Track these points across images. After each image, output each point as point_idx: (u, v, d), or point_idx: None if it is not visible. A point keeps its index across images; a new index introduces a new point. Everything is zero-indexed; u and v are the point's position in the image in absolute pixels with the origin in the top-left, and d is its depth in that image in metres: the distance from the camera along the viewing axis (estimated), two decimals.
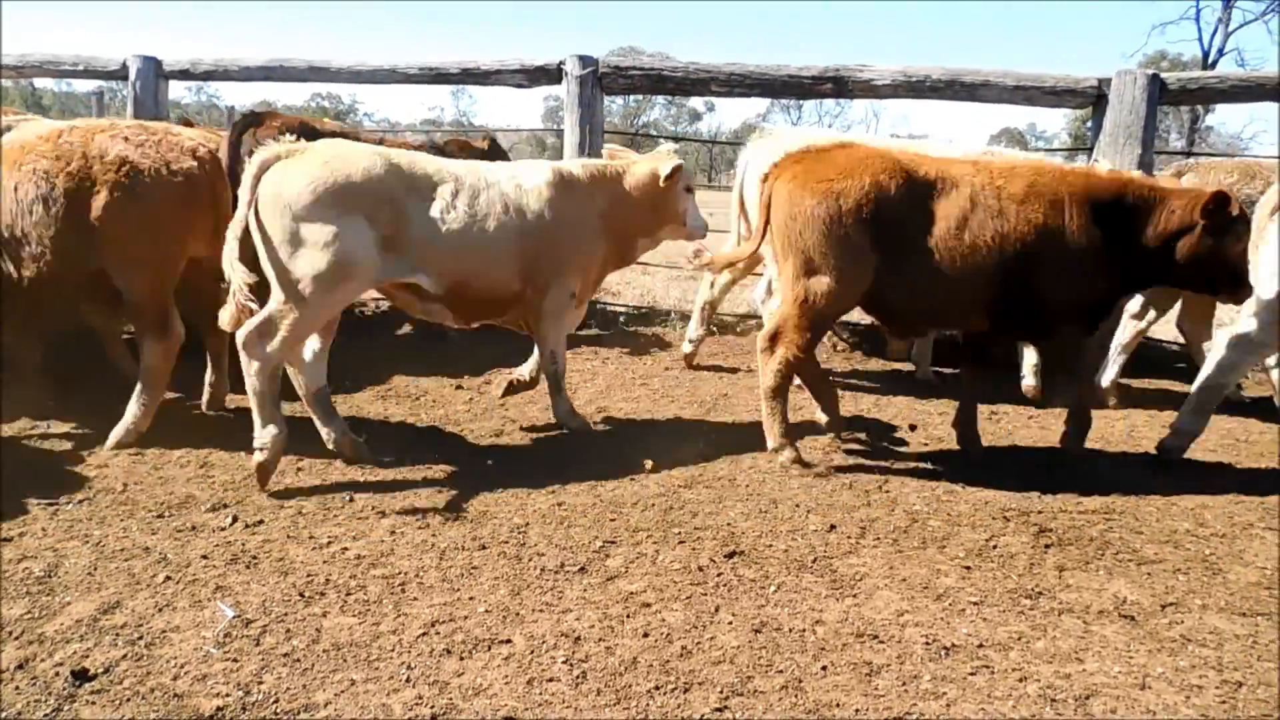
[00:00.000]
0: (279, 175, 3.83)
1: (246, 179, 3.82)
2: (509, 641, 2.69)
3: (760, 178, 4.38)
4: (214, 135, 5.95)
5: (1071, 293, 4.00)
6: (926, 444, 4.65)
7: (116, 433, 4.17)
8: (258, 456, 3.76)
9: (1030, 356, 5.66)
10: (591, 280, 4.70)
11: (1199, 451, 4.64)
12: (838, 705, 2.44)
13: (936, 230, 3.97)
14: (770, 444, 4.24)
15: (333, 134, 5.76)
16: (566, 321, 4.61)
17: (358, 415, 4.87)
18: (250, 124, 5.62)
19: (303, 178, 3.80)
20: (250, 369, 3.78)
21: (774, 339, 4.19)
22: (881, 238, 3.98)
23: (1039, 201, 3.95)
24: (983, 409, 5.27)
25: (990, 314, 4.12)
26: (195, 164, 4.25)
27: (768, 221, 4.22)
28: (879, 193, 3.95)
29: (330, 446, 4.18)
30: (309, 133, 5.68)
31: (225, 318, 3.79)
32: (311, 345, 4.15)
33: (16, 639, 2.62)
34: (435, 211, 4.07)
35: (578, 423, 4.69)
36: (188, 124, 6.90)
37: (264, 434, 3.78)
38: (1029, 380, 5.66)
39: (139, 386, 4.22)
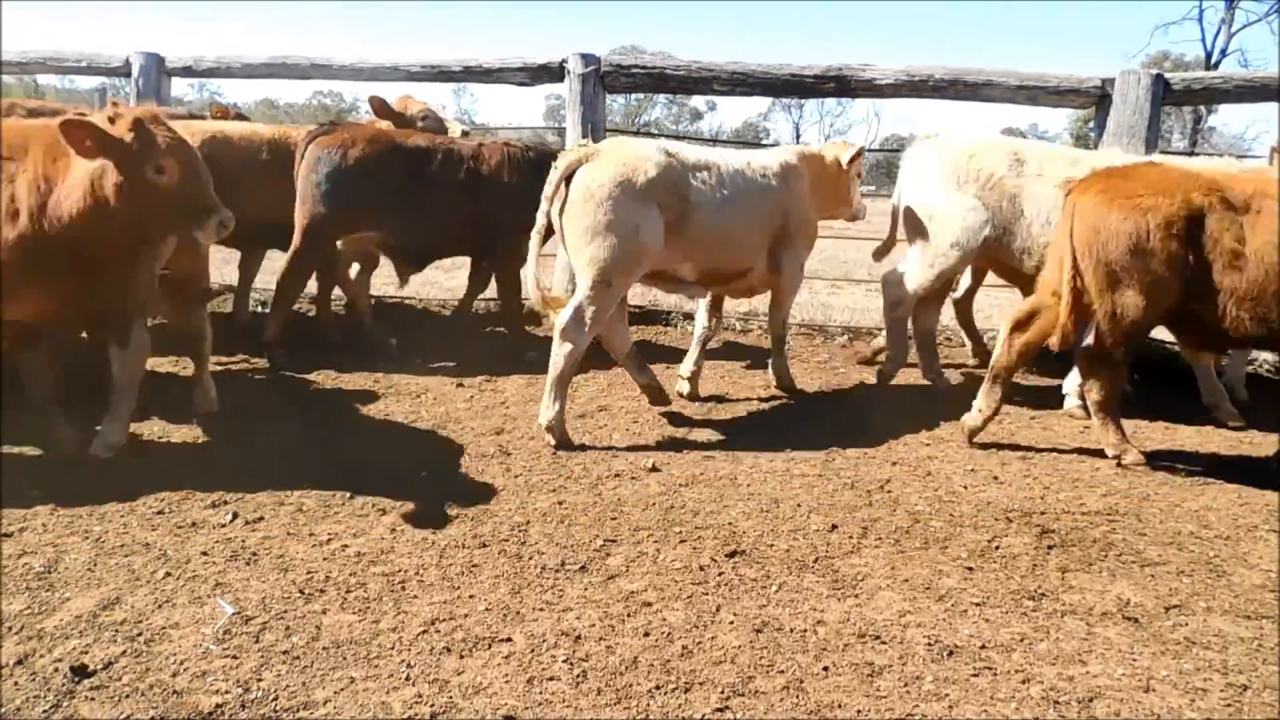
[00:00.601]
0: (587, 175, 4.36)
1: (551, 182, 4.39)
2: (509, 640, 2.68)
3: (1062, 189, 4.49)
4: (289, 132, 5.98)
5: None
6: (928, 444, 4.64)
7: (96, 448, 3.96)
8: (547, 419, 4.35)
9: (1075, 378, 5.35)
10: (812, 244, 5.34)
11: (1203, 453, 4.64)
12: (839, 706, 2.42)
13: (1250, 248, 3.92)
14: (1110, 452, 4.38)
15: (421, 146, 5.82)
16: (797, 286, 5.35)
17: (358, 413, 4.86)
18: (322, 133, 5.67)
19: (609, 175, 4.32)
20: (563, 351, 4.34)
21: (1089, 356, 4.25)
22: (1191, 255, 3.97)
23: None
24: None
25: None
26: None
27: (1070, 236, 4.22)
28: (1189, 210, 3.96)
29: (644, 392, 4.98)
30: (392, 148, 5.71)
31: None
32: (617, 316, 4.74)
33: (16, 634, 2.62)
34: (705, 199, 4.62)
35: (789, 382, 5.42)
36: (241, 117, 6.87)
37: (550, 410, 4.33)
38: (1074, 401, 5.32)
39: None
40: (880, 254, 5.87)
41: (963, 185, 5.28)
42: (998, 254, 5.39)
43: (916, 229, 5.48)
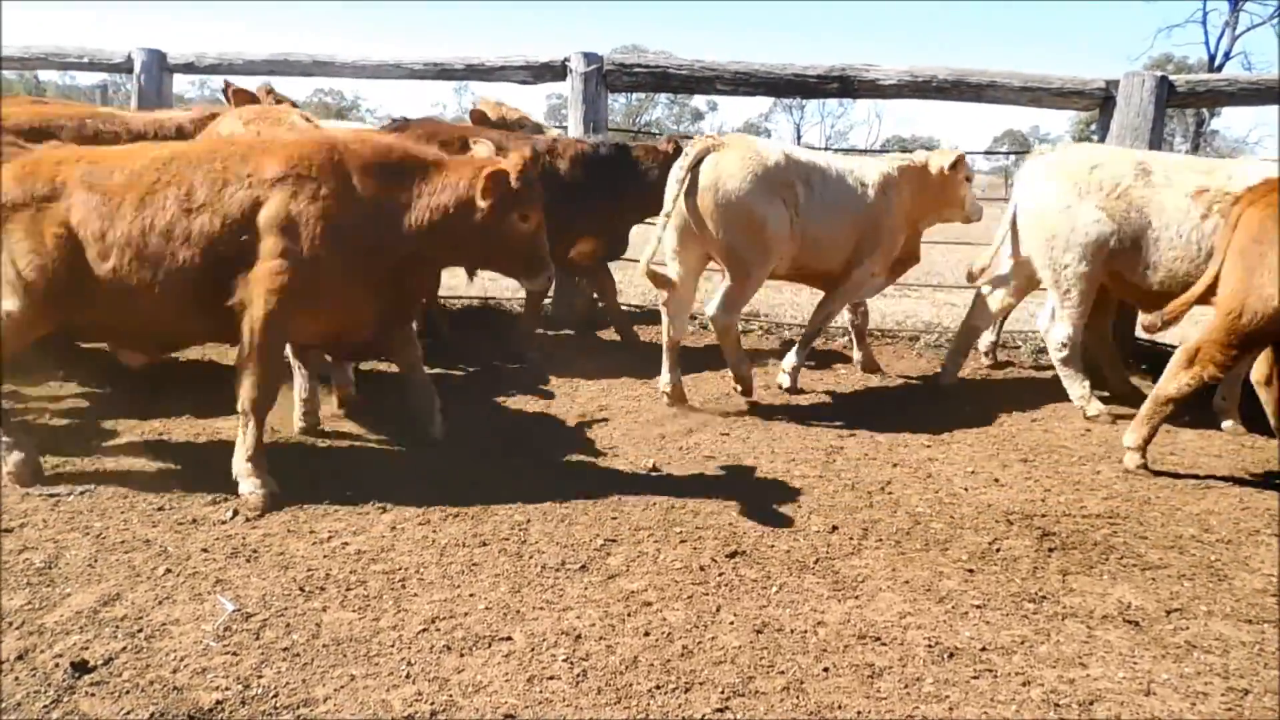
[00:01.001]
0: (715, 166, 4.57)
1: (680, 169, 4.58)
2: (509, 639, 2.68)
3: (1231, 200, 4.39)
4: (366, 134, 5.96)
5: None
6: (929, 445, 4.64)
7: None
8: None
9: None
10: (891, 257, 5.45)
11: (1204, 457, 4.63)
12: (839, 707, 2.42)
13: None
14: (1127, 441, 4.37)
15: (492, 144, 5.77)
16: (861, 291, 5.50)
17: (357, 411, 4.85)
18: (397, 128, 5.72)
19: (737, 167, 4.54)
20: (722, 332, 4.85)
21: (1194, 353, 4.15)
22: None
23: None
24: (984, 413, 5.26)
25: None
26: None
27: (1228, 244, 4.12)
28: None
29: (661, 389, 5.03)
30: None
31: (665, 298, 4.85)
32: (683, 307, 5.03)
33: (17, 630, 2.62)
34: (809, 203, 4.86)
35: (794, 382, 5.46)
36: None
37: (739, 367, 4.92)
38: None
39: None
40: (975, 275, 5.73)
41: (1084, 196, 5.02)
42: (1120, 269, 5.06)
43: (1038, 254, 5.22)
